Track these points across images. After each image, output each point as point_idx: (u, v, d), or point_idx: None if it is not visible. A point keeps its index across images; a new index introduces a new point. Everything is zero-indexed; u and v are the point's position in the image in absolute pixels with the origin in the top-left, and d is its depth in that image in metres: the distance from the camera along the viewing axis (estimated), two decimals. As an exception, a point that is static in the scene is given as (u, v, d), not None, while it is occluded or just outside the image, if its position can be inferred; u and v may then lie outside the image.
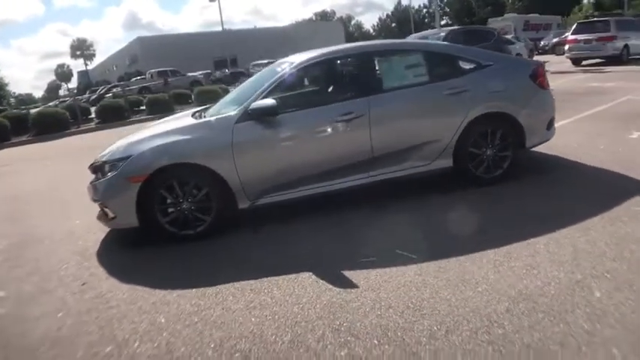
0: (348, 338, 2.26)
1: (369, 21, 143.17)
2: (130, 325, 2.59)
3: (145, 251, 3.65)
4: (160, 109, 13.52)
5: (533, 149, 4.53)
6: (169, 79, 20.54)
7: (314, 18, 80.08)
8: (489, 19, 31.19)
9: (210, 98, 14.35)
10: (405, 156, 3.93)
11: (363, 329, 2.32)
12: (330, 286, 2.78)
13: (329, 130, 3.77)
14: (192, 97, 15.04)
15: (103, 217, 3.79)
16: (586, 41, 15.51)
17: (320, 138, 3.78)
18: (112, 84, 30.40)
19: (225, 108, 4.20)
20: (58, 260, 3.66)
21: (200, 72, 26.18)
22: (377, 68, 4.05)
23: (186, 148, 3.58)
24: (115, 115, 13.24)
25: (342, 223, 3.78)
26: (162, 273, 3.26)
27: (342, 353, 2.16)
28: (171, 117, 5.12)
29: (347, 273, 2.92)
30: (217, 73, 27.09)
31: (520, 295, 2.48)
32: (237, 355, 2.23)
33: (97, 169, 3.81)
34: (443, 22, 67.35)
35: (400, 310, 2.46)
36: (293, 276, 2.95)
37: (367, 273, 2.89)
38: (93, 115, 14.52)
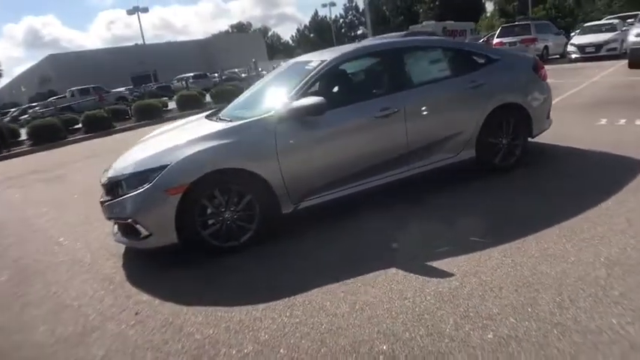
0: (485, 322, 2.21)
1: (283, 32, 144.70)
2: (232, 350, 2.29)
3: (181, 269, 3.27)
4: (98, 126, 12.41)
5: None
6: (104, 95, 18.91)
7: (230, 30, 79.24)
8: (410, 27, 32.95)
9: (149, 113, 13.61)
10: (435, 149, 3.99)
11: (492, 311, 2.29)
12: (427, 277, 2.71)
13: (369, 126, 3.71)
14: (130, 112, 14.06)
15: (130, 235, 3.36)
16: (511, 44, 17.02)
17: (360, 135, 3.69)
18: (27, 105, 27.36)
19: (244, 111, 4.00)
20: (82, 291, 3.17)
21: (125, 88, 24.45)
22: (406, 64, 4.07)
23: (229, 152, 3.30)
24: (49, 136, 11.84)
25: (387, 219, 3.71)
26: (221, 289, 2.94)
27: (490, 336, 2.10)
28: (181, 122, 4.71)
29: (432, 264, 2.87)
30: (142, 89, 25.61)
31: (610, 261, 2.62)
32: (381, 357, 2.08)
33: (115, 184, 3.37)
34: (360, 32, 70.37)
35: (513, 289, 2.46)
36: (379, 273, 2.83)
37: (452, 261, 2.86)
38: (24, 137, 12.87)
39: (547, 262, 2.71)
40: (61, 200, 5.97)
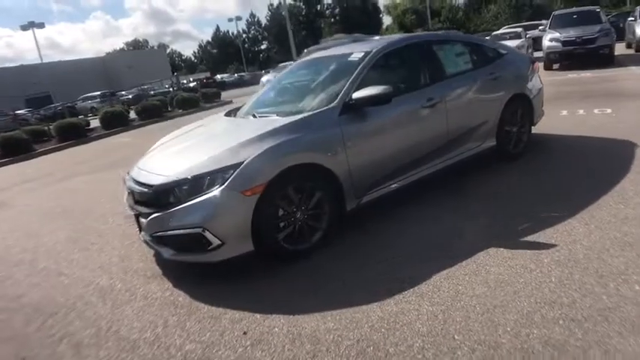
0: (622, 277, 2.36)
1: (180, 49, 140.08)
2: (399, 346, 2.10)
3: (249, 280, 2.93)
4: (17, 149, 10.72)
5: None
6: (19, 113, 16.32)
7: (126, 48, 74.52)
8: (321, 40, 34.00)
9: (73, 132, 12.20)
10: (466, 138, 4.12)
11: (619, 267, 2.45)
12: (534, 250, 2.78)
13: (418, 116, 3.72)
14: (51, 131, 12.41)
15: (192, 249, 2.93)
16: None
17: (412, 125, 3.68)
18: None
19: (286, 106, 3.82)
20: (148, 323, 2.67)
21: (26, 110, 21.48)
22: (439, 56, 4.16)
23: (300, 147, 3.06)
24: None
25: (441, 208, 3.74)
26: (325, 293, 2.69)
27: (637, 288, 2.22)
28: (194, 125, 4.28)
29: (526, 239, 2.96)
30: (41, 111, 22.83)
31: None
32: (561, 322, 2.08)
33: (166, 192, 2.93)
34: (263, 47, 70.70)
35: (619, 248, 2.65)
36: (480, 254, 2.83)
37: (541, 235, 2.97)
38: None
39: (625, 224, 2.94)
40: (27, 227, 5.06)
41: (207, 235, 2.78)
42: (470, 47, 4.48)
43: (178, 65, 70.81)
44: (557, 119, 6.22)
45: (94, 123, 14.27)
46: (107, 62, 50.88)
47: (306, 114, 3.28)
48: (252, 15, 69.02)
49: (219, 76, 42.61)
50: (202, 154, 3.07)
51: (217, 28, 71.98)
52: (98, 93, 27.03)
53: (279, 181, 2.92)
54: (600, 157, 4.42)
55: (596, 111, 6.45)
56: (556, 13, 13.33)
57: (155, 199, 3.01)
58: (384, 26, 64.36)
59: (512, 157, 4.60)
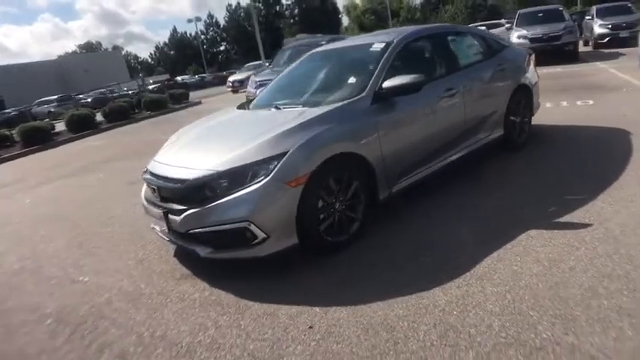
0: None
1: (134, 51, 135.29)
2: (479, 327, 2.08)
3: (296, 274, 2.83)
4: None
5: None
6: None
7: (78, 51, 71.23)
8: (284, 40, 33.88)
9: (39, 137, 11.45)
10: (480, 127, 4.18)
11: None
12: (572, 230, 2.86)
13: (440, 105, 3.73)
14: (14, 136, 11.56)
15: (234, 245, 2.79)
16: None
17: (434, 114, 3.69)
18: None
19: (295, 99, 3.74)
20: (197, 324, 2.50)
21: None
22: (454, 47, 4.20)
23: (339, 136, 2.98)
24: None
25: (464, 195, 3.80)
26: (380, 283, 2.63)
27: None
28: (207, 119, 4.12)
29: (559, 220, 3.05)
30: None
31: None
32: (625, 292, 2.13)
33: (202, 187, 2.77)
34: (222, 48, 69.49)
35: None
36: (522, 237, 2.87)
37: (572, 216, 3.07)
38: None
39: (653, 200, 3.10)
40: (16, 234, 4.66)
41: (253, 228, 2.66)
42: (478, 39, 4.56)
43: (135, 67, 68.35)
44: (544, 111, 6.42)
45: (59, 127, 13.46)
46: (62, 65, 48.25)
47: (339, 104, 3.21)
48: (211, 16, 67.35)
49: (179, 78, 41.49)
50: (235, 145, 2.93)
51: (174, 30, 70.14)
52: (55, 97, 25.59)
53: (321, 172, 2.84)
54: (600, 145, 4.61)
55: (579, 102, 6.76)
56: (522, 11, 13.91)
57: (189, 194, 2.84)
58: (343, 26, 64.89)
59: (516, 147, 4.72)
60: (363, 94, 3.28)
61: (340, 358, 2.04)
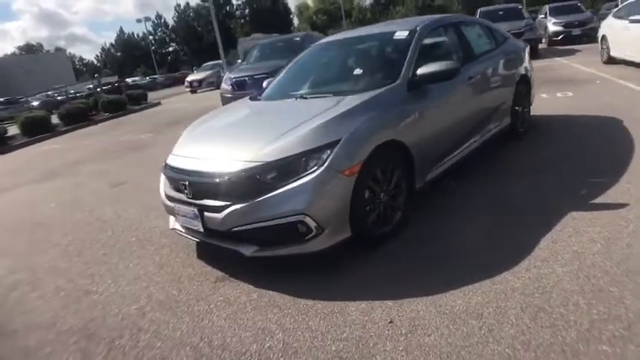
0: None
1: (80, 53, 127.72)
2: (562, 309, 2.04)
3: (350, 271, 2.68)
4: None
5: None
6: None
7: (18, 52, 66.37)
8: (240, 39, 33.27)
9: None
10: (492, 117, 4.20)
11: None
12: (612, 210, 2.91)
13: (463, 92, 3.70)
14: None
15: (284, 241, 2.59)
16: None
17: (460, 101, 3.66)
18: None
19: (320, 88, 3.62)
20: (259, 328, 2.27)
21: None
22: (469, 36, 4.19)
23: (384, 124, 2.88)
24: None
25: (492, 182, 3.80)
26: (443, 274, 2.54)
27: None
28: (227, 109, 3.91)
29: (595, 201, 3.11)
30: None
31: None
32: None
33: (248, 178, 2.54)
34: (171, 49, 67.30)
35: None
36: (566, 219, 2.90)
37: (605, 197, 3.14)
38: None
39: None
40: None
41: (308, 221, 2.48)
42: (485, 29, 4.61)
43: (80, 70, 64.60)
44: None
45: (11, 130, 12.31)
46: (4, 66, 44.67)
47: (377, 91, 3.07)
48: (159, 16, 64.95)
49: (129, 80, 39.64)
50: (275, 135, 2.72)
51: (121, 30, 67.01)
52: (1, 99, 23.56)
53: (371, 160, 2.71)
54: (598, 131, 4.79)
55: (559, 94, 7.03)
56: (482, 9, 14.43)
57: (232, 188, 2.60)
58: (295, 26, 64.65)
59: (519, 136, 4.81)
60: (399, 81, 3.18)
61: (439, 351, 1.92)
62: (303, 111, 3.09)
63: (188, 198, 2.82)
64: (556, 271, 2.36)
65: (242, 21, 65.83)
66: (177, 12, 63.05)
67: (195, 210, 2.73)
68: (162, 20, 64.80)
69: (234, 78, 9.49)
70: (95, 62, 67.90)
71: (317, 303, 2.41)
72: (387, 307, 2.27)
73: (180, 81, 37.95)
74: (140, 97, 17.32)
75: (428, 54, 3.57)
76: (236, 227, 2.59)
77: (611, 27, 9.02)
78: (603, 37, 9.40)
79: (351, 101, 2.97)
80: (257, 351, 2.11)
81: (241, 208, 2.54)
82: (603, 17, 16.43)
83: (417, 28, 3.60)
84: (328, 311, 2.32)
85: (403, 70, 3.24)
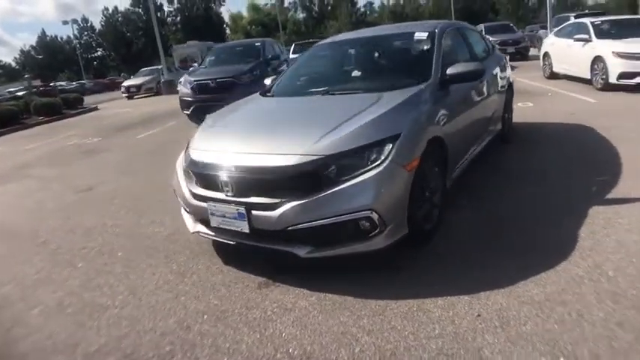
0: None
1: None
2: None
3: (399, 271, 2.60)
4: None
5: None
6: None
7: None
8: (174, 46, 32.11)
9: None
10: (492, 121, 4.33)
11: None
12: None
13: (475, 95, 3.76)
14: None
15: (345, 239, 2.42)
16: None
17: (473, 103, 3.71)
18: None
19: (342, 85, 3.53)
20: (337, 333, 2.09)
21: None
22: (472, 40, 4.30)
23: (429, 120, 2.83)
24: None
25: (500, 188, 3.92)
26: (498, 273, 2.52)
27: None
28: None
29: (611, 196, 3.30)
30: None
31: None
32: None
33: (308, 173, 2.37)
34: (98, 54, 63.28)
35: None
36: (601, 209, 3.05)
37: (617, 190, 3.36)
38: None
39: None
40: None
41: (375, 217, 2.35)
42: (480, 37, 4.80)
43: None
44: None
45: None
46: None
47: (415, 89, 3.02)
48: (85, 20, 60.69)
49: (53, 84, 36.47)
50: (325, 129, 2.56)
51: (43, 33, 61.50)
52: None
53: (424, 156, 2.65)
54: (574, 137, 5.16)
55: (520, 104, 7.44)
56: (486, 25, 15.74)
57: (288, 183, 2.41)
58: (228, 36, 63.61)
59: (507, 141, 5.04)
60: (431, 80, 3.16)
61: (542, 338, 1.90)
62: (343, 106, 2.98)
63: (229, 196, 2.56)
64: (610, 258, 2.45)
65: (174, 28, 63.70)
66: (105, 16, 59.48)
67: (242, 209, 2.49)
68: (89, 24, 60.74)
69: (195, 81, 9.05)
70: (13, 65, 61.79)
71: (389, 302, 2.28)
72: (466, 302, 2.21)
73: (110, 87, 35.86)
74: (76, 101, 15.96)
75: (445, 56, 3.62)
76: (292, 226, 2.40)
77: (554, 45, 9.87)
78: (546, 54, 10.25)
79: (393, 98, 2.89)
80: (349, 357, 1.94)
81: (301, 204, 2.35)
82: (529, 37, 18.13)
83: (436, 30, 3.64)
84: (405, 310, 2.21)
85: (433, 69, 3.25)
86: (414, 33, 3.69)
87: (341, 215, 2.34)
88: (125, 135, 9.29)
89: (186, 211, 3.09)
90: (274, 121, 3.08)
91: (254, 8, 69.67)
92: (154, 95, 20.47)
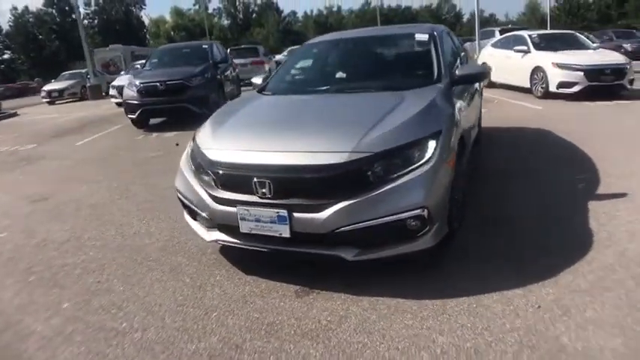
0: None
1: None
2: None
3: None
4: None
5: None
6: None
7: None
8: (95, 50, 29.98)
9: None
10: (475, 125, 4.47)
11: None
12: (631, 194, 3.39)
13: (469, 96, 3.82)
14: None
15: (395, 238, 2.33)
16: (243, 65, 18.39)
17: (468, 105, 3.74)
18: None
19: (351, 83, 3.48)
20: (409, 337, 1.99)
21: None
22: (455, 44, 4.40)
23: (456, 117, 2.83)
24: None
25: (491, 190, 4.05)
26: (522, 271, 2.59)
27: None
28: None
29: (602, 190, 3.60)
30: None
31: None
32: None
33: (357, 171, 2.26)
34: (6, 56, 57.15)
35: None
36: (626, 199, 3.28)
37: (631, 184, 3.64)
38: None
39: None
40: None
41: (426, 215, 2.28)
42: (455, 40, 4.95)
43: None
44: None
45: None
46: None
47: (434, 88, 3.03)
48: (-12, 19, 54.75)
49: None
50: (364, 125, 2.47)
51: None
52: None
53: (458, 153, 2.67)
54: (538, 138, 5.55)
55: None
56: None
57: (335, 183, 2.27)
58: (149, 40, 60.75)
59: (478, 142, 5.26)
60: (446, 79, 3.19)
61: (609, 322, 1.98)
62: (367, 104, 2.93)
63: (264, 198, 2.36)
64: (628, 247, 2.62)
65: (91, 31, 59.56)
66: (14, 16, 54.07)
67: (283, 211, 2.30)
68: (-7, 23, 54.72)
69: (142, 84, 8.45)
70: None
71: (445, 301, 2.23)
72: (520, 295, 2.24)
73: (22, 92, 32.62)
74: (-10, 106, 14.22)
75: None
76: (340, 228, 2.26)
77: (492, 55, 10.59)
78: (484, 65, 10.99)
79: (419, 96, 2.87)
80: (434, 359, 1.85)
81: (351, 204, 2.23)
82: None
83: (435, 32, 3.70)
84: (465, 307, 2.17)
85: (443, 69, 3.29)
86: (414, 34, 3.72)
87: (393, 214, 2.25)
88: (62, 142, 8.42)
89: (192, 217, 2.82)
90: (299, 119, 2.90)
91: (177, 13, 67.56)
92: (78, 100, 18.91)
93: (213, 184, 2.58)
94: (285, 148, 2.47)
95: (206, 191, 2.58)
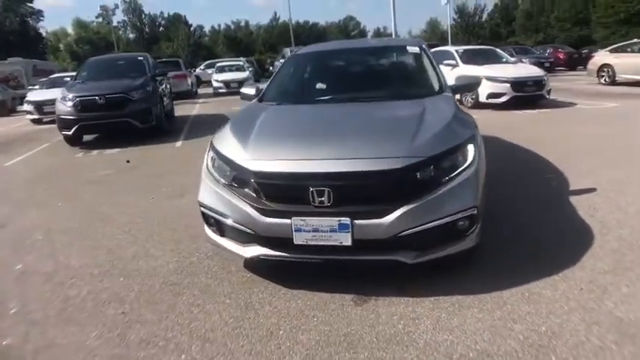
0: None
1: None
2: None
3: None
4: None
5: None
6: None
7: None
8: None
9: None
10: None
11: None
12: (610, 189, 3.87)
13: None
14: None
15: (447, 239, 2.43)
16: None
17: None
18: None
19: (356, 93, 3.57)
20: (485, 331, 2.08)
21: None
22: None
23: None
24: None
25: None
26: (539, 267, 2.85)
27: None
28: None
29: (575, 186, 4.07)
30: None
31: None
32: None
33: (412, 175, 2.35)
34: None
35: None
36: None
37: (578, 185, 4.12)
38: None
39: None
40: None
41: (476, 215, 2.43)
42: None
43: None
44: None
45: None
46: None
47: (444, 96, 3.26)
48: None
49: None
50: (406, 131, 2.61)
51: None
52: None
53: (480, 155, 2.88)
54: (496, 145, 6.04)
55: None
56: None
57: (395, 187, 2.32)
58: (47, 53, 55.53)
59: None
60: (449, 89, 3.43)
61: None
62: (395, 112, 3.09)
63: (322, 207, 2.33)
64: (622, 234, 2.99)
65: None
66: None
67: (345, 219, 2.29)
68: None
69: (77, 97, 7.73)
70: None
71: (500, 293, 2.38)
72: (560, 280, 2.47)
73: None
74: None
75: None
76: (403, 232, 2.31)
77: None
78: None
79: (441, 103, 3.10)
80: (520, 345, 1.97)
81: (413, 208, 2.30)
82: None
83: (422, 45, 3.95)
84: (520, 296, 2.35)
85: (442, 79, 3.52)
86: (405, 46, 3.93)
87: (450, 215, 2.36)
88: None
89: (220, 233, 2.69)
90: (336, 127, 2.90)
91: (80, 25, 62.81)
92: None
93: (256, 196, 2.49)
94: (342, 155, 2.45)
95: (249, 204, 2.48)
